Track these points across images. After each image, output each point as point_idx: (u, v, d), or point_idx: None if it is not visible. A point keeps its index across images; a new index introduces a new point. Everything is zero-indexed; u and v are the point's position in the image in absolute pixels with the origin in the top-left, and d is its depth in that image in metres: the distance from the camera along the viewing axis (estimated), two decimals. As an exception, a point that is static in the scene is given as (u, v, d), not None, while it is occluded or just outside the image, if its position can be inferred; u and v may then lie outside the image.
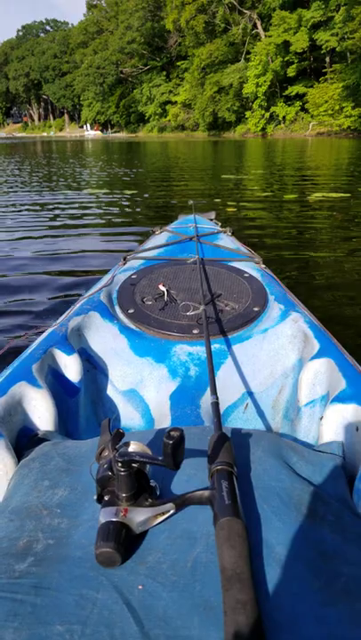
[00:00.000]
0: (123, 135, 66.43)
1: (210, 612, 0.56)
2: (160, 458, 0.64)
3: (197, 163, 16.34)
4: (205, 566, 0.61)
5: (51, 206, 7.12)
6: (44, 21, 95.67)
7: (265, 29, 44.69)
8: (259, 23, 46.26)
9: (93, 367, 1.37)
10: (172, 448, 0.61)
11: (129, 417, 1.31)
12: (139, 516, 0.66)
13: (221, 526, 0.61)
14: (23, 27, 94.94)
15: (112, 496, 0.67)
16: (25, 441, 1.01)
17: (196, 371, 1.33)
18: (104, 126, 75.39)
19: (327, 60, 41.00)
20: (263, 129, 45.36)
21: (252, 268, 1.92)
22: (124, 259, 2.06)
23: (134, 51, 60.70)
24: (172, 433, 0.62)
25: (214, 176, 11.45)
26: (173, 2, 49.26)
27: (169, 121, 58.93)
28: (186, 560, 0.63)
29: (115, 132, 72.80)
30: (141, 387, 1.34)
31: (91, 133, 74.30)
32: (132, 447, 0.70)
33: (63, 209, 6.88)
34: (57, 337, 1.30)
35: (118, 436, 0.73)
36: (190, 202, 3.33)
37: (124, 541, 0.63)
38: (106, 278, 1.82)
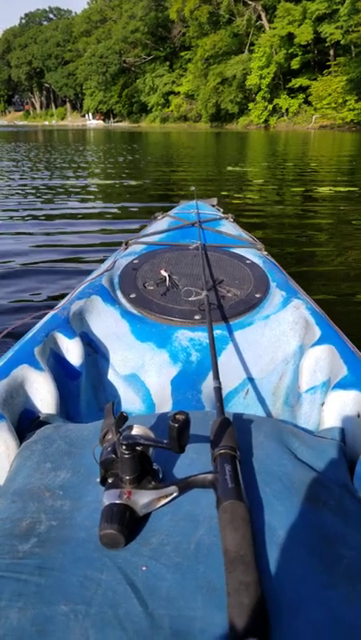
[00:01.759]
0: (125, 125, 66.11)
1: (213, 594, 0.56)
2: (165, 441, 0.64)
3: (200, 154, 16.27)
4: (208, 548, 0.62)
5: (52, 192, 7.09)
6: (48, 9, 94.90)
7: (269, 21, 44.39)
8: (263, 15, 45.93)
9: (94, 351, 1.37)
10: (177, 431, 0.62)
11: (130, 401, 1.31)
12: (142, 499, 0.66)
13: (224, 509, 0.61)
14: (26, 14, 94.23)
15: (116, 478, 0.68)
16: (26, 423, 1.00)
17: (197, 356, 1.32)
18: (106, 116, 74.95)
19: (331, 52, 40.74)
20: (266, 121, 45.15)
21: (253, 254, 1.91)
22: (126, 243, 2.05)
23: (138, 40, 60.27)
24: (177, 416, 0.63)
25: (218, 167, 11.41)
26: (178, -9, 48.89)
27: (171, 111, 58.65)
28: (189, 542, 0.63)
29: (117, 121, 72.40)
30: (142, 371, 1.33)
31: (93, 122, 73.90)
32: (136, 430, 0.71)
33: (65, 195, 6.86)
34: (59, 320, 1.29)
35: (122, 419, 0.73)
36: (192, 188, 3.31)
37: (128, 523, 0.63)
38: (107, 263, 1.81)
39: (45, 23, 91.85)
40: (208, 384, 1.25)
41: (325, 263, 3.69)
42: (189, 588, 0.57)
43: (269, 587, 0.56)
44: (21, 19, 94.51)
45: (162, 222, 2.47)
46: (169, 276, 1.63)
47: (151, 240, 2.12)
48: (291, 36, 39.98)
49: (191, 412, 0.90)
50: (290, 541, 0.62)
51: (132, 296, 1.53)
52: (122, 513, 0.63)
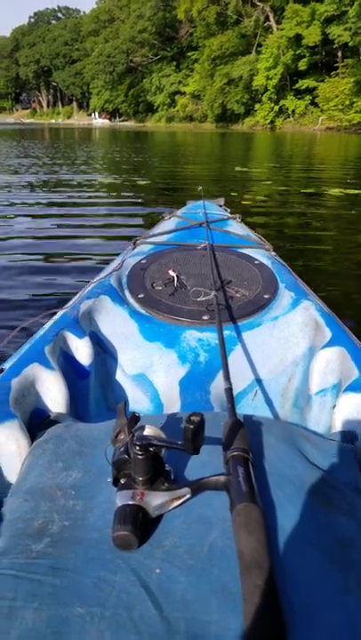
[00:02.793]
0: (130, 124, 66.09)
1: (228, 597, 0.56)
2: (179, 442, 0.64)
3: (207, 154, 16.27)
4: (222, 551, 0.61)
5: (60, 192, 7.10)
6: (57, 8, 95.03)
7: (277, 22, 44.30)
8: (271, 16, 45.85)
9: (103, 351, 1.37)
10: (192, 433, 0.62)
11: (138, 401, 1.31)
12: (155, 500, 0.66)
13: (238, 512, 0.61)
14: (35, 13, 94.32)
15: (128, 479, 0.67)
16: (37, 422, 1.01)
17: (205, 357, 1.32)
18: (112, 115, 74.96)
19: (339, 54, 40.58)
20: (272, 122, 45.06)
21: (262, 255, 1.91)
22: (134, 243, 2.05)
23: (145, 40, 60.23)
24: (192, 418, 0.62)
25: (225, 168, 11.39)
26: (186, -9, 48.87)
27: (177, 111, 58.56)
28: (202, 545, 0.62)
29: (123, 120, 72.38)
30: (151, 371, 1.33)
31: (99, 121, 73.91)
32: (148, 431, 0.70)
33: (72, 194, 6.87)
34: (68, 320, 1.29)
35: (134, 419, 0.72)
36: (199, 188, 3.31)
37: (141, 525, 0.63)
38: (116, 262, 1.81)
39: (54, 22, 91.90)
40: (216, 385, 1.25)
41: (335, 264, 3.68)
42: (204, 591, 0.57)
43: (285, 591, 0.55)
44: (30, 17, 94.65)
45: (169, 222, 2.47)
46: (177, 276, 1.63)
47: (159, 240, 2.12)
48: (299, 38, 39.86)
49: (201, 412, 0.91)
50: (304, 545, 0.62)
51: (141, 296, 1.53)
52: (135, 514, 0.63)
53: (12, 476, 0.87)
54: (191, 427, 0.62)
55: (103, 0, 74.84)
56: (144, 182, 8.41)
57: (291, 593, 0.56)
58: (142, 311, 1.48)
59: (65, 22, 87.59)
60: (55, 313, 1.38)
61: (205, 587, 0.57)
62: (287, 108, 44.26)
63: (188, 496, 0.69)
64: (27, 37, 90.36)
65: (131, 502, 0.64)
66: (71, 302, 1.44)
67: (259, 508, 0.61)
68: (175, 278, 1.62)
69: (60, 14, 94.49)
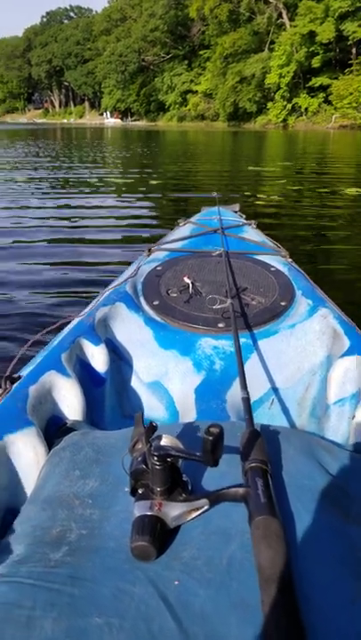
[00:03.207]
0: (142, 123, 66.21)
1: (247, 611, 0.55)
2: (198, 453, 0.63)
3: (219, 153, 16.23)
4: (241, 564, 0.60)
5: (73, 195, 7.12)
6: (69, 8, 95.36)
7: (290, 19, 44.07)
8: (284, 12, 45.62)
9: (119, 358, 1.37)
10: (211, 444, 0.61)
11: (153, 409, 1.31)
12: (173, 511, 0.65)
13: (257, 525, 0.60)
14: (47, 13, 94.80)
15: (146, 489, 0.67)
16: (54, 430, 1.01)
17: (221, 365, 1.31)
18: (124, 114, 75.12)
19: (353, 51, 40.30)
20: (284, 120, 44.88)
21: (278, 261, 1.90)
22: (149, 250, 2.05)
23: (157, 39, 60.26)
24: (211, 429, 0.61)
25: (238, 167, 11.36)
26: (198, -11, 48.78)
27: (189, 110, 58.53)
28: (221, 557, 0.62)
29: (134, 120, 72.51)
30: (166, 379, 1.33)
31: (110, 121, 74.12)
32: (165, 441, 0.70)
33: (85, 199, 6.88)
34: (85, 327, 1.29)
35: (151, 429, 0.71)
36: (214, 194, 3.27)
37: (159, 536, 0.62)
38: (131, 269, 1.81)
39: (66, 22, 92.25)
40: (232, 393, 1.24)
41: (354, 271, 3.63)
42: (223, 604, 0.56)
43: (306, 606, 0.54)
44: (43, 17, 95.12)
45: (184, 229, 2.46)
46: (192, 283, 1.62)
47: (174, 247, 2.12)
48: (312, 34, 39.62)
49: (218, 422, 0.91)
50: (324, 559, 0.61)
51: (156, 303, 1.53)
52: (153, 525, 0.62)
53: (29, 484, 0.86)
54: (210, 438, 0.61)
55: (115, -1, 74.98)
56: (156, 182, 8.41)
57: (312, 608, 0.55)
58: (157, 318, 1.48)
59: (77, 22, 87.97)
60: (71, 320, 1.38)
61: (224, 600, 0.56)
62: (300, 106, 44.03)
63: (206, 507, 0.68)
64: (39, 37, 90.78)
65: (149, 513, 0.64)
66: (87, 309, 1.44)
67: (278, 521, 0.61)
68: (190, 285, 1.61)
69: (72, 14, 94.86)
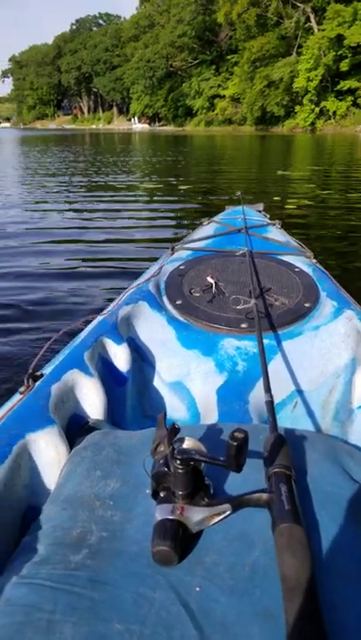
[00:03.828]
0: (169, 128, 66.50)
1: (271, 621, 0.54)
2: (221, 458, 0.62)
3: (247, 157, 16.18)
4: (264, 571, 0.59)
5: (100, 196, 7.19)
6: (98, 15, 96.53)
7: (318, 23, 43.71)
8: (312, 16, 45.28)
9: (141, 357, 1.36)
10: (236, 450, 0.60)
11: (175, 409, 1.30)
12: (195, 515, 0.64)
13: (281, 532, 0.59)
14: (77, 20, 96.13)
15: (168, 493, 0.66)
16: (75, 428, 1.01)
17: (243, 366, 1.30)
18: (152, 119, 75.55)
19: (382, 54, 39.74)
20: (312, 124, 44.47)
21: (302, 262, 1.87)
22: (172, 249, 2.04)
23: (185, 44, 60.42)
24: (236, 434, 0.60)
25: (267, 172, 11.29)
26: (226, -5, 48.81)
27: (216, 115, 58.50)
28: (243, 564, 0.60)
29: (162, 125, 72.86)
30: (188, 379, 1.32)
31: (138, 126, 74.65)
32: (187, 443, 0.69)
33: (111, 198, 6.94)
34: (107, 325, 1.29)
35: (174, 431, 0.70)
36: (238, 193, 3.25)
37: (181, 540, 0.61)
38: (154, 268, 1.81)
39: (95, 29, 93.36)
40: (255, 395, 1.22)
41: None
42: (246, 613, 0.55)
43: (330, 616, 0.53)
44: (72, 25, 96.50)
45: (208, 228, 2.45)
46: (215, 282, 1.61)
47: (197, 246, 2.10)
48: (340, 38, 39.17)
49: (241, 425, 0.89)
50: (350, 568, 0.60)
51: (179, 302, 1.52)
52: (175, 529, 0.61)
53: (50, 483, 0.86)
54: (235, 444, 0.60)
55: (143, 5, 75.52)
56: (185, 187, 8.42)
57: (337, 618, 0.53)
58: (180, 318, 1.47)
59: (106, 28, 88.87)
60: (94, 318, 1.38)
61: (247, 609, 0.55)
62: (328, 110, 43.58)
63: (228, 512, 0.67)
64: (68, 44, 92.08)
65: (171, 517, 0.63)
66: (110, 308, 1.45)
67: (302, 529, 0.59)
68: (213, 285, 1.60)
69: (100, 21, 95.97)
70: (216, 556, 0.62)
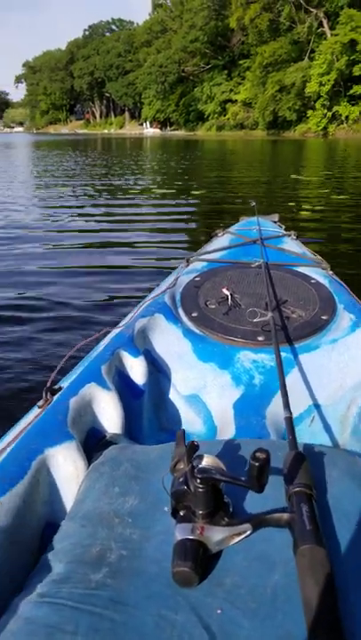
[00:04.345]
0: (181, 133, 66.65)
1: None
2: (243, 478, 0.62)
3: (259, 161, 16.16)
4: (286, 594, 0.58)
5: (111, 205, 7.21)
6: (110, 21, 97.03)
7: (331, 28, 43.62)
8: (325, 21, 45.22)
9: (157, 370, 1.36)
10: (258, 470, 0.60)
11: (191, 422, 1.29)
12: (215, 535, 0.63)
13: (303, 554, 0.58)
14: (90, 26, 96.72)
15: (188, 512, 0.65)
16: (93, 442, 1.01)
17: (260, 379, 1.29)
18: (163, 124, 75.76)
19: (395, 58, 39.54)
20: (325, 128, 44.37)
21: (319, 274, 1.86)
22: (187, 260, 2.04)
23: (197, 49, 60.53)
24: (257, 454, 0.60)
25: (281, 177, 11.25)
26: (238, 0, 48.87)
27: (228, 119, 58.55)
28: (265, 586, 0.59)
29: (173, 129, 73.03)
30: (204, 392, 1.31)
31: (150, 131, 74.94)
32: (207, 461, 0.68)
33: (124, 209, 6.95)
34: (124, 338, 1.29)
35: (193, 448, 0.69)
36: (252, 203, 3.22)
37: (202, 561, 0.61)
38: (169, 280, 1.81)
39: (108, 34, 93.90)
40: (272, 409, 1.22)
41: None
42: (268, 637, 0.54)
43: None
44: (85, 30, 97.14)
45: (222, 239, 2.44)
46: (231, 294, 1.61)
47: (212, 257, 2.10)
48: (353, 43, 39.04)
49: (258, 441, 0.89)
50: None
51: (194, 315, 1.51)
52: (195, 550, 0.61)
53: (68, 499, 0.86)
54: (257, 464, 0.59)
55: (156, 11, 75.91)
56: (197, 192, 8.43)
57: None
58: (196, 330, 1.46)
59: (118, 34, 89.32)
60: (110, 331, 1.38)
61: (270, 633, 0.54)
62: (340, 115, 43.45)
63: (248, 532, 0.66)
64: (81, 50, 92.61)
65: (191, 537, 0.62)
66: (126, 320, 1.45)
67: (325, 551, 0.58)
68: (229, 297, 1.60)
69: (113, 26, 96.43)
70: (237, 578, 0.61)
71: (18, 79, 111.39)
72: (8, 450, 0.86)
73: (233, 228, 2.63)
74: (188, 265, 2.01)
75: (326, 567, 0.56)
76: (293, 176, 11.12)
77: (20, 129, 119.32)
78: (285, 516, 0.65)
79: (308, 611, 0.53)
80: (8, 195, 8.38)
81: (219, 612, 0.57)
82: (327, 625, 0.52)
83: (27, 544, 0.78)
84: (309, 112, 45.38)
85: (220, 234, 2.54)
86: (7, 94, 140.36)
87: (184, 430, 0.76)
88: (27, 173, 12.72)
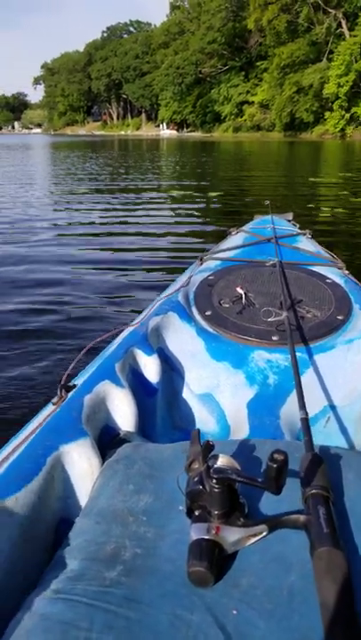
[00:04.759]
0: (197, 134, 66.70)
1: None
2: (260, 479, 0.62)
3: (276, 163, 16.09)
4: (302, 596, 0.58)
5: (126, 204, 7.23)
6: (128, 22, 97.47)
7: (350, 29, 43.39)
8: (344, 22, 44.95)
9: (170, 368, 1.36)
10: (276, 471, 0.59)
11: (204, 421, 1.28)
12: (231, 536, 0.63)
13: (320, 556, 0.58)
14: (108, 28, 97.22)
15: (203, 511, 0.65)
16: (106, 440, 1.01)
17: (274, 379, 1.28)
18: (180, 125, 75.88)
19: None
20: (342, 130, 44.09)
21: (334, 273, 1.84)
22: (201, 259, 2.03)
23: (214, 51, 60.56)
24: (275, 456, 0.60)
25: (298, 179, 11.19)
26: (257, 1, 48.77)
27: (245, 121, 58.47)
28: (281, 587, 0.59)
29: (190, 131, 73.12)
30: (218, 391, 1.30)
31: (166, 132, 75.15)
32: (222, 461, 0.68)
33: (138, 207, 6.97)
34: (137, 336, 1.29)
35: (208, 448, 0.69)
36: (267, 202, 3.21)
37: (217, 561, 0.60)
38: (183, 278, 1.80)
39: (126, 36, 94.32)
40: (286, 410, 1.20)
41: None
42: (284, 639, 0.54)
43: None
44: (103, 32, 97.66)
45: (237, 238, 2.42)
46: (245, 293, 1.59)
47: (226, 256, 2.09)
48: (372, 44, 38.87)
49: (274, 441, 0.88)
50: None
51: (208, 313, 1.50)
52: (211, 550, 0.61)
53: (82, 496, 0.86)
54: (275, 465, 0.59)
55: (174, 12, 76.06)
56: (215, 193, 8.41)
57: None
58: (210, 329, 1.45)
59: (136, 36, 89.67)
60: (124, 329, 1.38)
61: (286, 634, 0.54)
62: (359, 116, 43.15)
63: (264, 533, 0.66)
64: (99, 52, 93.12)
65: (206, 537, 0.62)
66: (140, 318, 1.44)
67: (342, 554, 0.58)
68: (243, 296, 1.58)
69: (131, 28, 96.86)
70: (253, 578, 0.61)
71: (36, 81, 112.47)
72: (23, 446, 0.86)
73: (247, 227, 2.61)
74: (201, 263, 2.00)
75: (344, 570, 0.56)
76: (311, 179, 11.04)
77: (38, 130, 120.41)
78: (302, 517, 0.65)
79: (326, 613, 0.53)
80: (26, 193, 8.45)
81: (234, 612, 0.56)
82: (344, 627, 0.51)
83: (41, 540, 0.78)
84: (327, 114, 45.13)
85: (234, 232, 2.52)
86: (25, 96, 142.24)
87: (199, 430, 0.76)
88: (47, 173, 12.82)
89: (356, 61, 40.07)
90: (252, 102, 56.86)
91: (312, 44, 46.78)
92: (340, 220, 5.98)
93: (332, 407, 1.24)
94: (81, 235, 5.21)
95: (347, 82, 41.09)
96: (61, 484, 0.86)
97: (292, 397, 1.19)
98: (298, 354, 1.30)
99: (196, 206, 6.98)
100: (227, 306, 1.55)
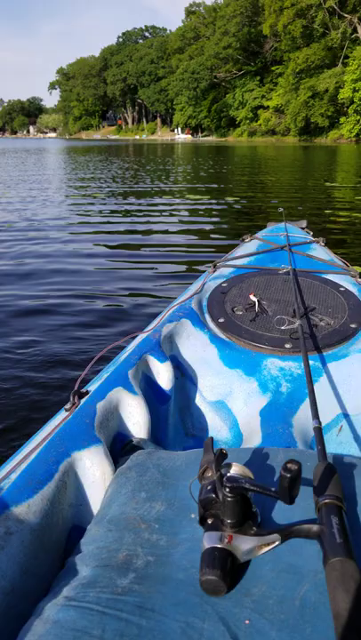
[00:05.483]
0: (212, 139, 66.83)
1: None
2: (273, 489, 0.62)
3: (290, 166, 16.05)
4: (315, 606, 0.57)
5: (139, 210, 7.25)
6: (144, 28, 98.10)
7: (366, 33, 43.24)
8: (359, 27, 44.81)
9: (183, 375, 1.36)
10: (289, 482, 0.59)
11: (216, 429, 1.29)
12: (244, 545, 0.63)
13: (333, 567, 0.57)
14: (123, 33, 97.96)
15: (216, 520, 0.65)
16: (119, 447, 1.01)
17: (287, 387, 1.27)
18: (194, 130, 76.12)
19: None
20: (357, 135, 43.89)
21: (347, 281, 1.83)
22: (214, 266, 2.03)
23: (229, 56, 60.73)
24: (289, 465, 0.59)
25: (313, 182, 11.14)
26: (272, 7, 48.82)
27: (260, 125, 58.49)
28: (293, 597, 0.59)
29: (204, 135, 73.31)
30: (230, 399, 1.30)
31: (181, 137, 75.40)
32: (235, 470, 0.68)
33: (151, 213, 6.99)
34: (151, 343, 1.29)
35: (222, 456, 0.69)
36: (280, 209, 3.21)
37: (230, 570, 0.60)
38: (196, 285, 1.81)
39: (141, 41, 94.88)
40: (299, 418, 1.20)
41: None
42: None
43: None
44: (118, 37, 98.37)
45: (250, 245, 2.42)
46: (258, 301, 1.60)
47: (239, 263, 2.09)
48: (388, 48, 38.68)
49: (287, 450, 0.87)
50: None
51: (221, 320, 1.51)
52: (224, 558, 0.60)
53: (95, 503, 0.86)
54: (288, 476, 0.58)
55: (189, 18, 76.36)
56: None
57: None
58: (223, 336, 1.46)
59: (151, 41, 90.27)
60: (136, 336, 1.39)
61: None
62: (374, 121, 42.98)
63: (277, 542, 0.65)
64: (115, 57, 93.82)
65: (219, 545, 0.62)
66: (153, 325, 1.45)
67: (355, 564, 0.57)
68: (256, 303, 1.59)
69: (147, 33, 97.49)
70: (265, 588, 0.60)
71: (52, 85, 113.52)
72: (36, 453, 0.86)
73: (260, 234, 2.61)
74: (214, 270, 2.00)
75: (357, 580, 0.56)
76: (327, 183, 10.99)
77: (53, 134, 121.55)
78: (315, 527, 0.64)
79: (339, 624, 0.52)
80: (43, 195, 8.52)
81: (247, 622, 0.56)
82: (358, 638, 0.51)
83: (53, 546, 0.78)
84: (342, 118, 45.02)
85: (248, 239, 2.52)
86: (41, 100, 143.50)
87: (212, 438, 0.75)
88: (63, 177, 12.92)
89: (372, 66, 39.91)
90: (267, 107, 56.89)
91: (327, 48, 46.72)
92: (356, 225, 5.94)
93: (345, 416, 1.24)
94: (95, 238, 5.24)
95: (362, 86, 40.94)
96: (74, 490, 0.85)
97: (305, 405, 1.19)
98: (311, 362, 1.31)
99: (210, 213, 6.98)
100: (240, 313, 1.55)
